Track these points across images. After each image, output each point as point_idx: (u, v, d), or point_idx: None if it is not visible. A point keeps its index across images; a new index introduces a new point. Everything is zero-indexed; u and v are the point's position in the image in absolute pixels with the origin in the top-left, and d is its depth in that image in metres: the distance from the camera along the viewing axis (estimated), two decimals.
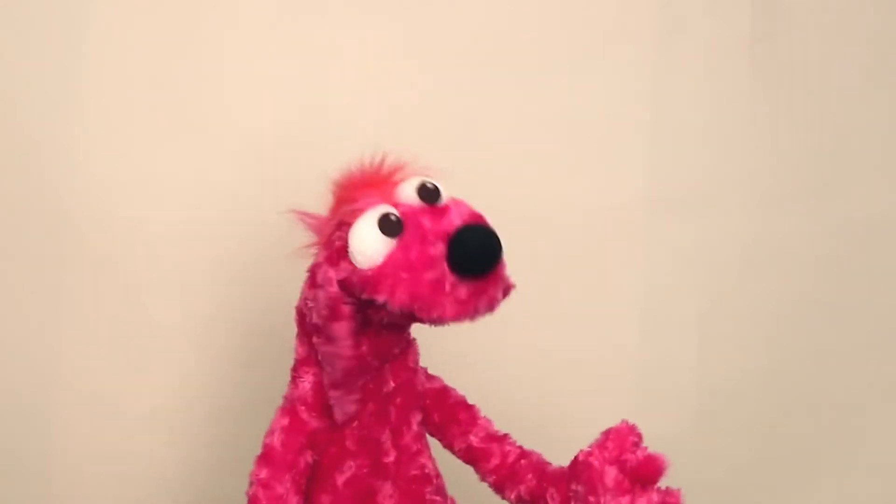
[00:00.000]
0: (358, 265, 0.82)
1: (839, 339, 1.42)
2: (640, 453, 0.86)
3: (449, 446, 0.96)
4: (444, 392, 0.97)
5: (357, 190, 0.85)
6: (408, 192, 0.85)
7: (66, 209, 1.22)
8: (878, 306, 1.43)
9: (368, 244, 0.81)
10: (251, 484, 0.86)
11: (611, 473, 0.85)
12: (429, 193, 0.84)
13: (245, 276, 1.25)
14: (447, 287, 0.79)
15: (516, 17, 1.32)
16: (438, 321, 0.81)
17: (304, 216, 0.89)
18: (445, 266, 0.80)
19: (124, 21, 1.22)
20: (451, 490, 0.98)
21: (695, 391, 1.39)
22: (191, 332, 1.26)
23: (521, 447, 0.96)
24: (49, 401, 1.24)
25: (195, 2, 1.24)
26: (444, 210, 0.83)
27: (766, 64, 1.39)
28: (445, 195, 0.85)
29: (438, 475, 0.96)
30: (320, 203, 0.90)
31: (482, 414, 0.97)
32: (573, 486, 0.88)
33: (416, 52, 1.29)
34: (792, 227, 1.40)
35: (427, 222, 0.82)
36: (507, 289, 0.85)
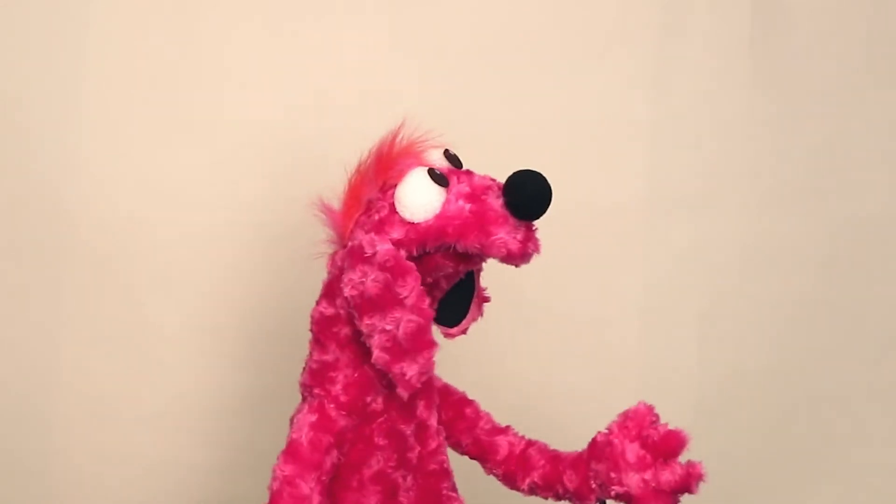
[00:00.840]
0: (413, 219, 0.84)
1: (839, 339, 1.42)
2: (661, 429, 0.88)
3: (456, 443, 0.97)
4: (447, 390, 0.98)
5: (392, 158, 0.87)
6: (436, 158, 0.88)
7: (66, 209, 1.22)
8: (878, 306, 1.43)
9: (424, 194, 0.84)
10: (275, 478, 0.85)
11: (633, 450, 0.87)
12: (453, 158, 0.89)
13: (245, 276, 1.25)
14: (508, 227, 0.83)
15: (517, 17, 1.32)
16: (505, 256, 0.83)
17: (327, 209, 0.89)
18: (503, 208, 0.83)
19: (125, 21, 1.22)
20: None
21: (695, 391, 1.39)
22: (190, 333, 1.26)
23: (524, 437, 0.97)
24: (49, 401, 1.24)
25: (196, 1, 1.24)
26: (470, 172, 0.87)
27: (766, 64, 1.39)
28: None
29: (452, 470, 0.96)
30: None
31: (482, 408, 0.98)
32: (593, 466, 0.89)
33: (416, 52, 1.29)
34: (792, 227, 1.40)
35: (464, 178, 0.86)
36: None
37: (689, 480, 0.86)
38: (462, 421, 0.97)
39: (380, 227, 0.85)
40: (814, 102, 1.40)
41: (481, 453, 0.96)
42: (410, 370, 0.83)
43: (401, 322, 0.82)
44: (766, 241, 1.40)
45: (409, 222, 0.84)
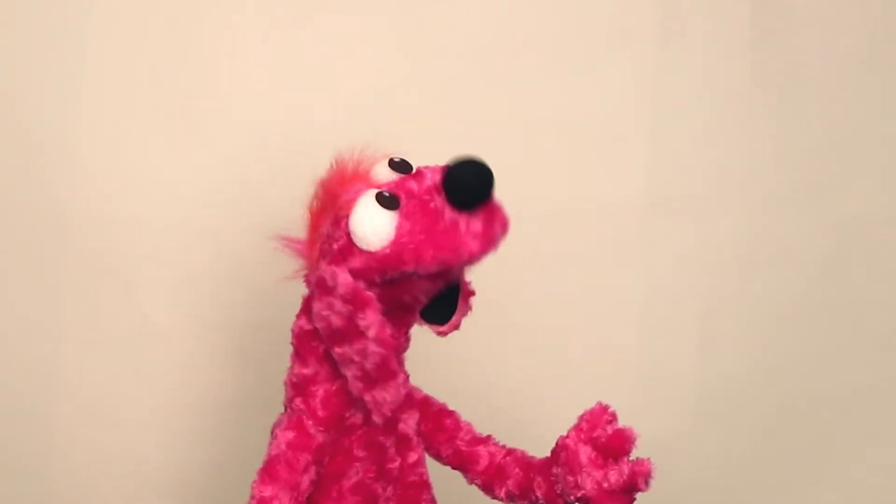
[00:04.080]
0: (370, 248, 0.82)
1: (839, 339, 1.42)
2: (609, 429, 0.88)
3: (436, 454, 0.97)
4: (427, 401, 0.98)
5: (339, 188, 0.86)
6: (382, 173, 0.86)
7: (66, 209, 1.22)
8: (877, 306, 1.43)
9: (375, 223, 0.82)
10: (252, 497, 0.86)
11: (585, 452, 0.87)
12: (399, 165, 0.86)
13: (245, 276, 1.25)
14: (462, 227, 0.80)
15: (516, 17, 1.32)
16: (470, 261, 0.82)
17: (290, 241, 0.89)
18: (450, 211, 0.81)
19: (124, 21, 1.22)
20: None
21: (695, 391, 1.39)
22: (190, 333, 1.26)
23: (504, 446, 0.97)
24: (49, 401, 1.24)
25: (194, 2, 1.24)
26: (421, 174, 0.85)
27: (766, 64, 1.39)
28: (415, 165, 0.87)
29: (431, 483, 0.96)
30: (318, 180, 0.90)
31: (463, 419, 0.98)
32: (554, 470, 0.90)
33: (415, 52, 1.29)
34: (792, 227, 1.40)
35: (414, 185, 0.83)
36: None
37: (636, 478, 0.85)
38: (442, 432, 0.97)
39: (339, 258, 0.84)
40: (814, 102, 1.40)
41: (461, 464, 0.96)
42: (382, 398, 0.83)
43: (366, 353, 0.82)
44: (766, 241, 1.40)
45: (367, 252, 0.83)
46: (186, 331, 1.26)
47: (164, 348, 1.26)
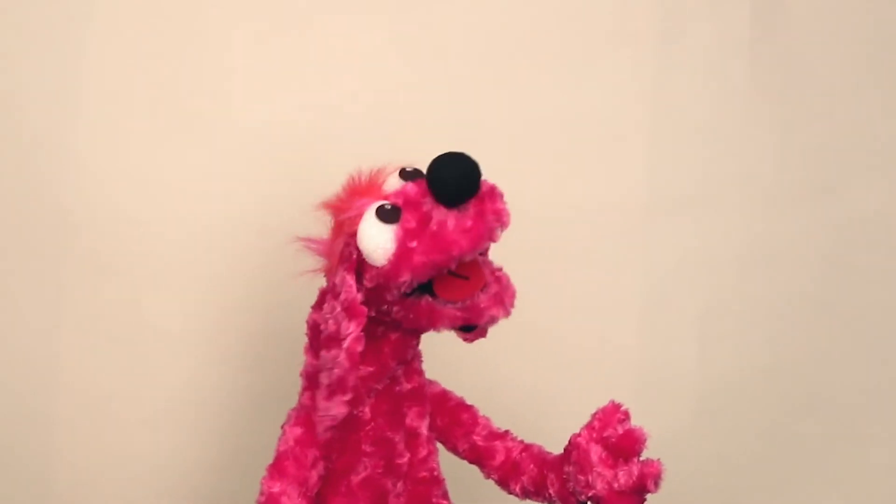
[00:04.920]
0: (378, 264, 0.83)
1: (839, 339, 1.42)
2: (620, 429, 0.88)
3: (453, 448, 0.98)
4: (445, 395, 0.98)
5: (349, 202, 0.87)
6: (393, 183, 0.86)
7: (66, 209, 1.22)
8: (878, 306, 1.43)
9: (376, 238, 0.83)
10: (261, 493, 0.86)
11: (596, 451, 0.88)
12: (411, 174, 0.86)
13: (247, 277, 1.25)
14: (450, 226, 0.80)
15: (517, 17, 1.32)
16: (462, 256, 0.81)
17: (310, 242, 0.90)
18: (440, 211, 0.81)
19: (125, 19, 1.22)
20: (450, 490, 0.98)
21: (695, 391, 1.39)
22: (191, 334, 1.26)
23: (522, 441, 0.97)
24: (49, 401, 1.24)
25: (195, 2, 1.24)
26: (419, 183, 0.84)
27: (766, 64, 1.39)
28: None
29: (443, 478, 0.96)
30: (322, 200, 0.90)
31: (481, 413, 0.99)
32: (566, 468, 0.90)
33: (415, 54, 1.29)
34: (792, 227, 1.40)
35: (411, 189, 0.83)
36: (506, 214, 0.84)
37: (645, 480, 0.86)
38: (459, 427, 0.97)
39: (355, 271, 0.84)
40: (814, 102, 1.40)
41: (478, 458, 0.97)
42: (329, 410, 0.84)
43: (336, 362, 0.83)
44: (766, 241, 1.40)
45: (375, 268, 0.83)
46: (186, 331, 1.26)
47: (164, 348, 1.26)
